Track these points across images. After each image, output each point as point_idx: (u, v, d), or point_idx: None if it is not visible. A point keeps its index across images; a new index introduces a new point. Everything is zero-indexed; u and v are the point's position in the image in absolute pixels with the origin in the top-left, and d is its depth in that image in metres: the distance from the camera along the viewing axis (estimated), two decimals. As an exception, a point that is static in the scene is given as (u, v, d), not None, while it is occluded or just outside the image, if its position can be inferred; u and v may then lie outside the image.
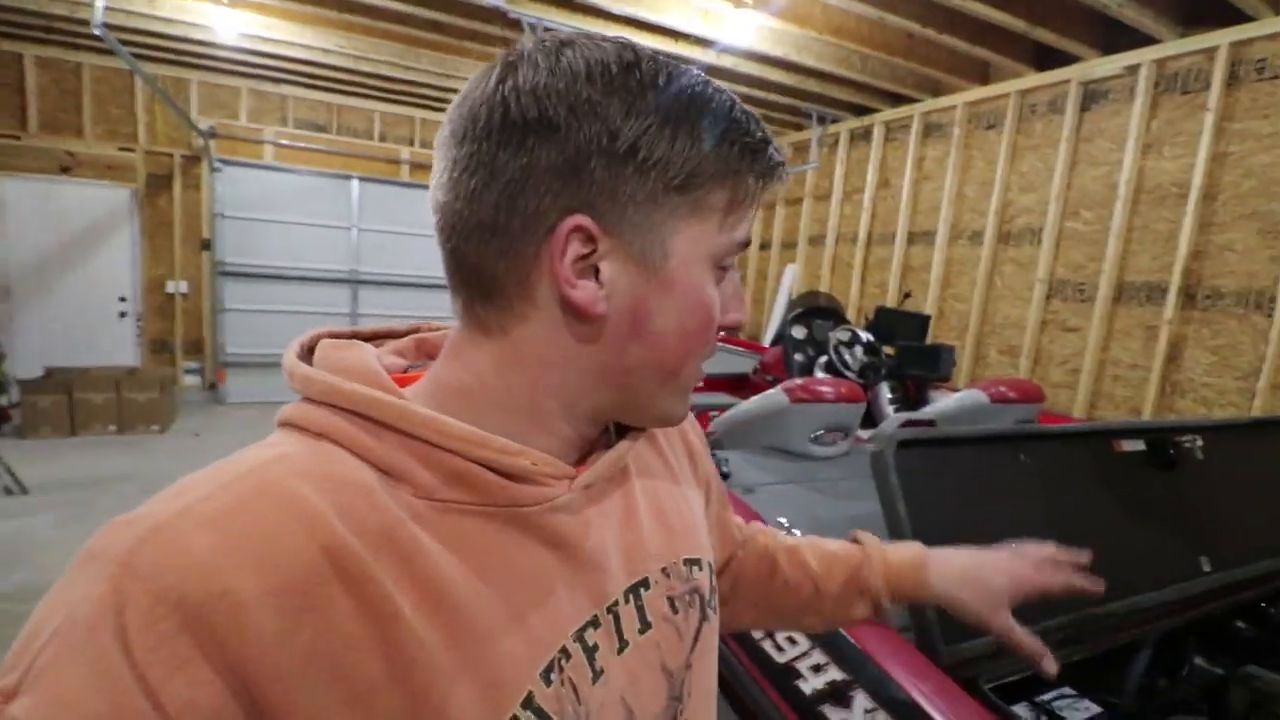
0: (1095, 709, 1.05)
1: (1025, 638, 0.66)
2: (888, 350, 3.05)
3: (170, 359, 5.87)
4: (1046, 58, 3.74)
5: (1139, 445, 1.30)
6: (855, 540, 0.71)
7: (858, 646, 0.88)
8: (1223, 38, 2.98)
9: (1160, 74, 3.28)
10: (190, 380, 5.97)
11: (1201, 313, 3.11)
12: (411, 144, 6.43)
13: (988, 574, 0.66)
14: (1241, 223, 2.97)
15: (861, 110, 5.04)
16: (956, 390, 2.69)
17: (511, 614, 0.38)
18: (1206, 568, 1.22)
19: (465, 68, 4.59)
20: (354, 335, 0.47)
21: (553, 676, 0.39)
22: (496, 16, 3.51)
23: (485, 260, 0.39)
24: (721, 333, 0.45)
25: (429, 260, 6.43)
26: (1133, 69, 3.36)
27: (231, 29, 4.06)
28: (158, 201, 5.64)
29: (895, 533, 0.98)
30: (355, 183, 6.05)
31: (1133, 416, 3.35)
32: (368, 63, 4.64)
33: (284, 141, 5.93)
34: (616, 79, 0.38)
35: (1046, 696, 1.06)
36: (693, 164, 0.39)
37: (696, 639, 0.50)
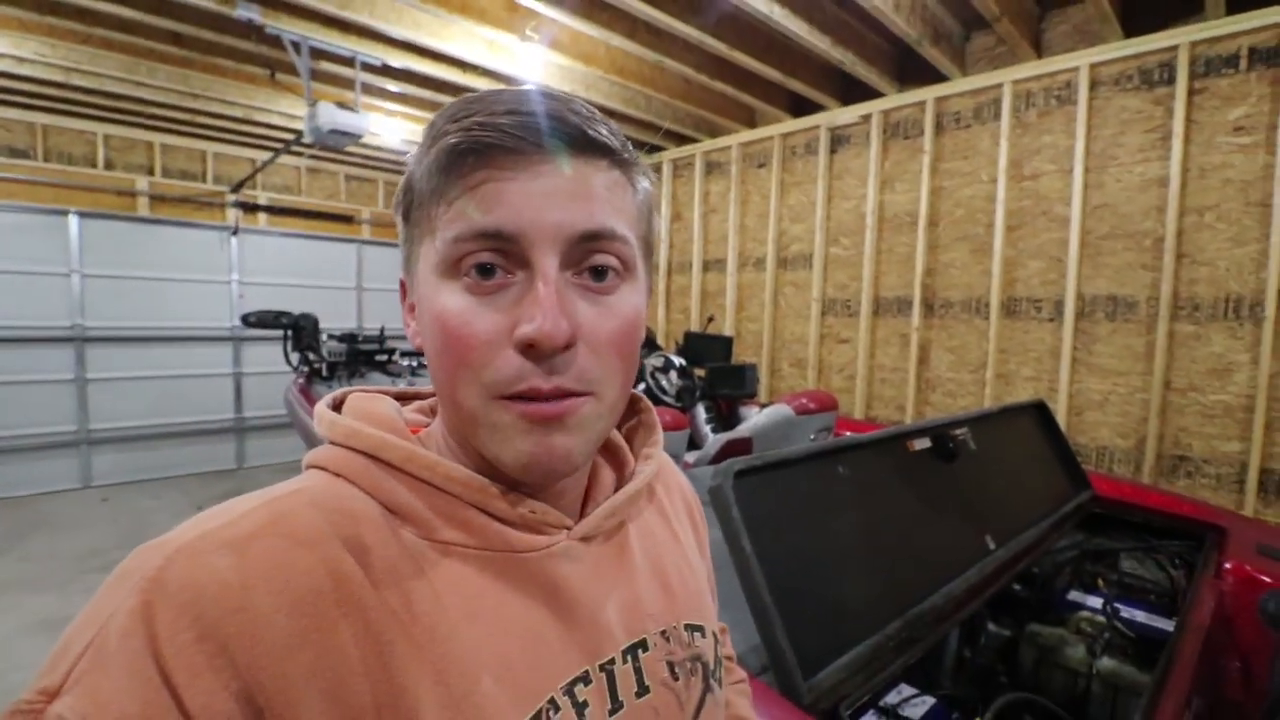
0: (930, 701, 1.11)
1: None
2: (699, 373, 3.18)
3: None
4: (801, 106, 4.25)
5: (926, 443, 1.45)
6: None
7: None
8: (929, 94, 3.62)
9: (887, 122, 3.89)
10: None
11: (939, 320, 3.69)
12: (150, 173, 5.40)
13: None
14: (958, 244, 3.59)
15: (651, 149, 5.32)
16: (763, 405, 2.88)
17: (500, 659, 0.38)
18: (992, 545, 1.38)
19: (217, 87, 3.99)
20: (382, 393, 0.49)
21: None
22: (252, 31, 3.10)
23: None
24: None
25: (183, 308, 5.46)
26: (866, 117, 3.95)
27: None
28: None
29: (741, 565, 0.96)
30: (73, 219, 4.93)
31: (899, 413, 3.86)
32: (83, 76, 3.82)
33: (-40, 170, 4.68)
34: (422, 138, 0.41)
35: (890, 700, 1.11)
36: (413, 184, 0.40)
37: (699, 710, 0.49)
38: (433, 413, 0.51)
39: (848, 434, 2.38)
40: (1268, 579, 1.43)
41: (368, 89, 3.91)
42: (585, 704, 0.41)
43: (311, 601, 0.34)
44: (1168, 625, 1.35)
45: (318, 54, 3.41)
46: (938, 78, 3.54)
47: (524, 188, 0.37)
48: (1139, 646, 1.29)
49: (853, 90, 3.95)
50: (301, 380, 3.79)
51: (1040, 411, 1.99)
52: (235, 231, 5.67)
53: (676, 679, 0.48)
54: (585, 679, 0.42)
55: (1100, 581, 1.58)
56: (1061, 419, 3.12)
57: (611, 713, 0.43)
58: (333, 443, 0.43)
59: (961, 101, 3.54)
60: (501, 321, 0.37)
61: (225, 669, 0.31)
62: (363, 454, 0.41)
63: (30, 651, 2.74)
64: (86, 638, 0.32)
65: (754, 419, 2.43)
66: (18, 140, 4.88)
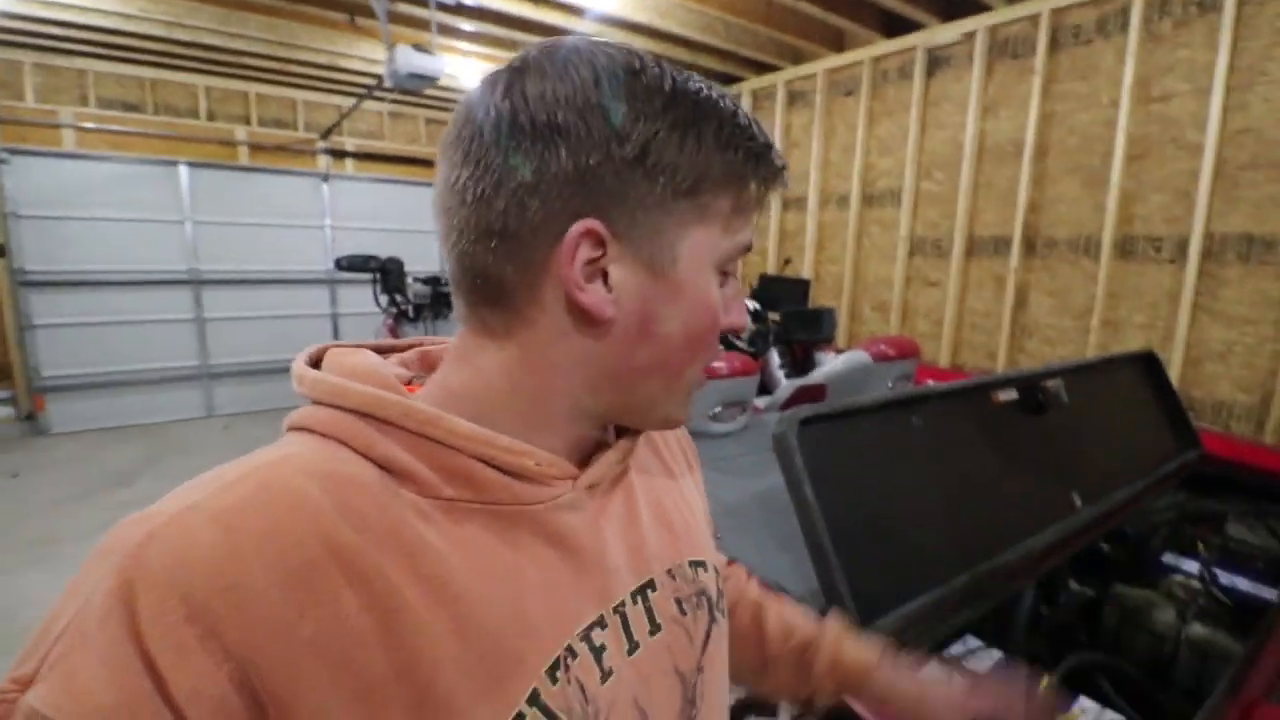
0: (997, 654, 1.09)
1: None
2: (774, 317, 3.11)
3: (-31, 388, 4.95)
4: (895, 25, 3.91)
5: (1013, 395, 1.37)
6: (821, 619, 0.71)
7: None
8: (1044, 5, 3.24)
9: (993, 40, 3.52)
10: (1, 412, 5.07)
11: (1041, 260, 3.42)
12: (247, 122, 5.69)
13: (937, 708, 0.64)
14: (1068, 176, 3.27)
15: (729, 79, 5.07)
16: (840, 351, 2.79)
17: (515, 611, 0.38)
18: (1079, 503, 1.31)
19: (303, 35, 4.10)
20: (359, 346, 0.47)
21: (559, 675, 0.39)
22: (332, -23, 3.14)
23: (493, 265, 0.40)
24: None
25: (284, 252, 5.82)
26: (969, 35, 3.59)
27: (-6, -11, 3.37)
28: (-75, 202, 4.67)
29: (802, 511, 0.95)
30: (184, 169, 5.28)
31: (990, 361, 3.65)
32: (183, 30, 4.02)
33: (87, 125, 5.07)
34: (624, 84, 0.38)
35: (954, 650, 1.09)
36: (700, 169, 0.39)
37: (706, 641, 0.50)
38: (417, 365, 0.50)
39: (929, 383, 2.28)
40: (1405, 552, 1.29)
41: (443, 29, 3.91)
42: (603, 647, 0.42)
43: (307, 574, 0.32)
44: (1273, 595, 1.24)
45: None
46: (1055, -14, 3.15)
47: None
48: (1237, 615, 1.20)
49: (955, 4, 3.58)
50: (390, 321, 3.99)
51: (1148, 363, 1.82)
52: (326, 177, 5.93)
53: (685, 614, 0.49)
54: (600, 623, 0.43)
55: (1200, 545, 1.47)
56: (1175, 371, 2.86)
57: (629, 652, 0.44)
58: (317, 401, 0.40)
59: (1082, 13, 3.15)
60: (722, 310, 0.44)
61: (216, 651, 0.30)
62: (353, 412, 0.38)
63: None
64: (64, 621, 0.30)
65: (829, 365, 2.37)
66: (130, 95, 5.24)
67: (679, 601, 0.49)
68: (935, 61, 3.83)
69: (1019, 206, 3.42)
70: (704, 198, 0.40)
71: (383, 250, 4.67)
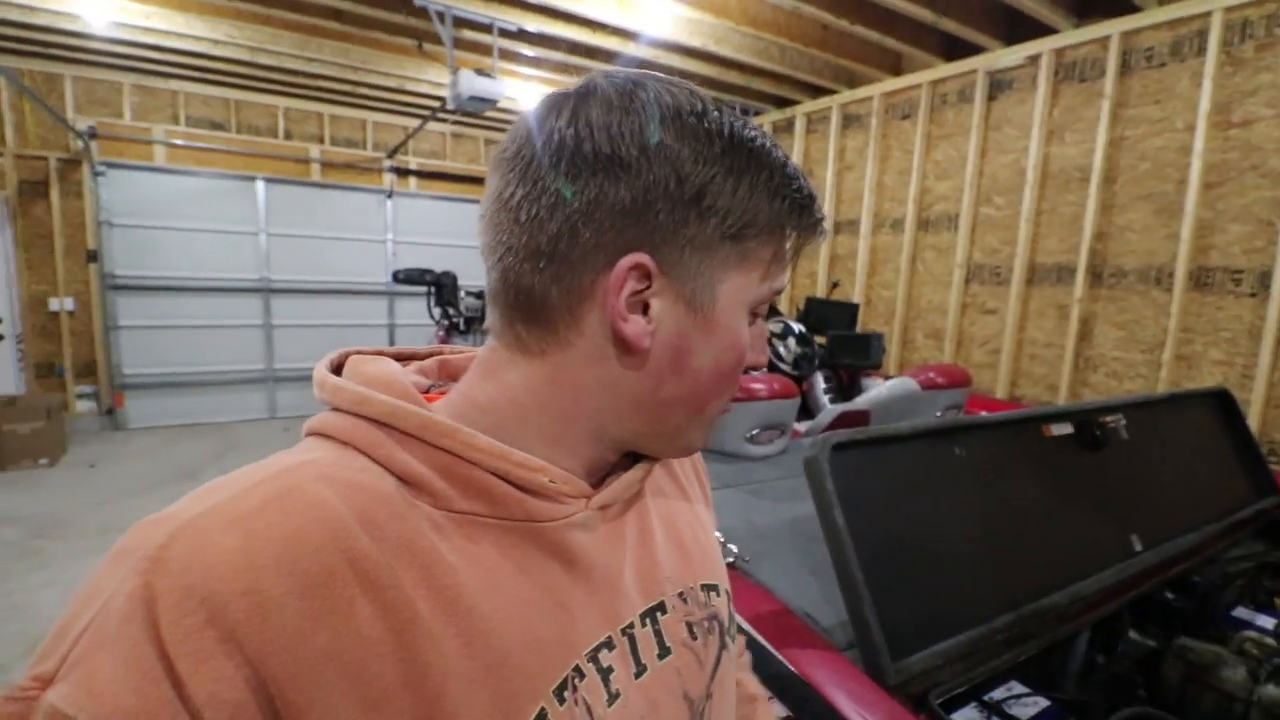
0: (1043, 703, 1.03)
1: None
2: (819, 340, 3.05)
3: (60, 384, 5.32)
4: (954, 48, 3.84)
5: (1067, 428, 1.30)
6: None
7: (803, 680, 0.82)
8: (1114, 28, 3.12)
9: (1059, 63, 3.42)
10: (84, 406, 5.43)
11: (1108, 290, 3.26)
12: (321, 141, 6.03)
13: None
14: (1139, 203, 3.12)
15: (783, 102, 5.07)
16: (888, 377, 2.72)
17: (524, 629, 0.38)
18: (1138, 547, 1.23)
19: (374, 59, 4.32)
20: (379, 354, 0.47)
21: (566, 695, 0.39)
22: (401, 4, 3.30)
23: (538, 284, 0.40)
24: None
25: (347, 264, 6.09)
26: (1034, 58, 3.49)
27: (101, 17, 3.67)
28: (33, 210, 5.08)
29: (832, 538, 0.93)
30: (260, 184, 5.63)
31: (1050, 393, 3.49)
32: (266, 55, 4.31)
33: (177, 141, 5.46)
34: (688, 125, 0.39)
35: (996, 695, 1.03)
36: (749, 215, 0.40)
37: (716, 667, 0.50)
38: (436, 374, 0.50)
39: (980, 414, 2.20)
40: None
41: (504, 54, 4.05)
42: (610, 669, 0.42)
43: (324, 581, 0.33)
44: (1364, 660, 1.13)
45: (460, 23, 3.56)
46: (1126, 8, 3.04)
47: None
48: (1319, 679, 1.10)
49: (1018, 28, 3.50)
50: (442, 333, 4.11)
51: (1221, 400, 1.71)
52: (390, 194, 6.20)
53: (695, 639, 0.48)
54: (609, 644, 0.42)
55: (1278, 600, 1.36)
56: (1255, 411, 2.66)
57: (637, 675, 0.43)
58: (337, 409, 0.41)
59: (1156, 35, 3.03)
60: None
61: (234, 655, 0.30)
62: (372, 421, 0.39)
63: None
64: (84, 620, 0.30)
65: (874, 391, 2.31)
66: (216, 114, 5.62)
67: (690, 625, 0.48)
68: (997, 85, 3.73)
69: (1085, 234, 3.28)
70: (748, 243, 0.41)
71: (439, 265, 4.83)
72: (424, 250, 6.28)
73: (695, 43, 3.72)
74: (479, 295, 4.36)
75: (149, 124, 5.40)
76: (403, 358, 0.50)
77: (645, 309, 0.40)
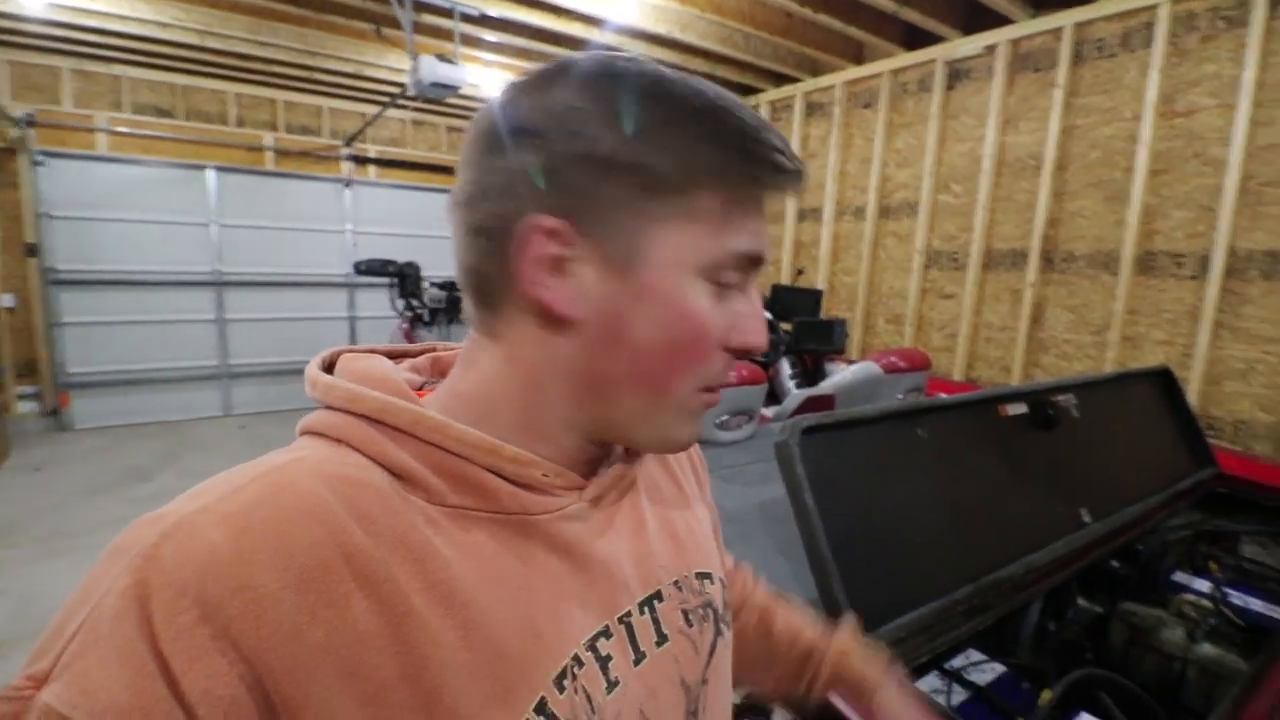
0: (1000, 668, 1.08)
1: None
2: (785, 327, 3.10)
3: (-2, 383, 5.09)
4: (915, 38, 3.91)
5: (1022, 408, 1.35)
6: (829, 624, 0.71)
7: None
8: (1068, 18, 3.22)
9: (1015, 53, 3.51)
10: (26, 407, 5.20)
11: (1059, 275, 3.38)
12: (274, 128, 5.83)
13: None
14: (1089, 190, 3.24)
15: (747, 90, 5.10)
16: (851, 362, 2.78)
17: (522, 620, 0.38)
18: (1087, 519, 1.29)
19: (330, 44, 4.19)
20: (371, 351, 0.48)
21: (565, 684, 0.39)
22: (358, -13, 3.22)
23: (480, 263, 0.41)
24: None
25: (304, 256, 5.92)
26: (991, 48, 3.57)
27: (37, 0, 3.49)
28: (-36, 201, 4.83)
29: (802, 520, 0.95)
30: (211, 173, 5.42)
31: (1004, 375, 3.61)
32: (215, 38, 4.14)
33: (121, 129, 5.22)
34: (601, 87, 0.39)
35: (955, 663, 1.08)
36: (676, 167, 0.38)
37: (711, 654, 0.50)
38: (429, 370, 0.50)
39: (940, 395, 2.27)
40: None
41: (466, 40, 3.98)
42: (609, 657, 0.42)
43: (319, 576, 0.33)
44: (1290, 617, 1.22)
45: (420, 7, 3.49)
46: (1079, 0, 3.14)
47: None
48: (1249, 636, 1.18)
49: (977, 18, 3.57)
50: (405, 325, 4.05)
51: (1164, 379, 1.80)
52: (348, 183, 6.05)
53: (691, 626, 0.49)
54: (606, 633, 0.43)
55: (1213, 565, 1.44)
56: (1194, 388, 2.81)
57: (635, 663, 0.44)
58: (329, 407, 0.41)
59: (1107, 26, 3.13)
60: (725, 325, 0.42)
61: (228, 652, 0.30)
62: (364, 418, 0.39)
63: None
64: (79, 619, 0.31)
65: (838, 376, 2.36)
66: (162, 100, 5.39)
67: (685, 613, 0.49)
68: (955, 74, 3.82)
69: (1038, 220, 3.39)
70: (681, 197, 0.39)
71: (401, 255, 4.74)
72: (385, 241, 6.14)
73: (660, 29, 3.71)
74: (443, 286, 4.31)
75: (90, 111, 5.15)
76: (395, 355, 0.50)
77: (572, 275, 0.40)
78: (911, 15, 3.46)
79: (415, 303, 4.27)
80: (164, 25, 3.89)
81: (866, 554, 0.97)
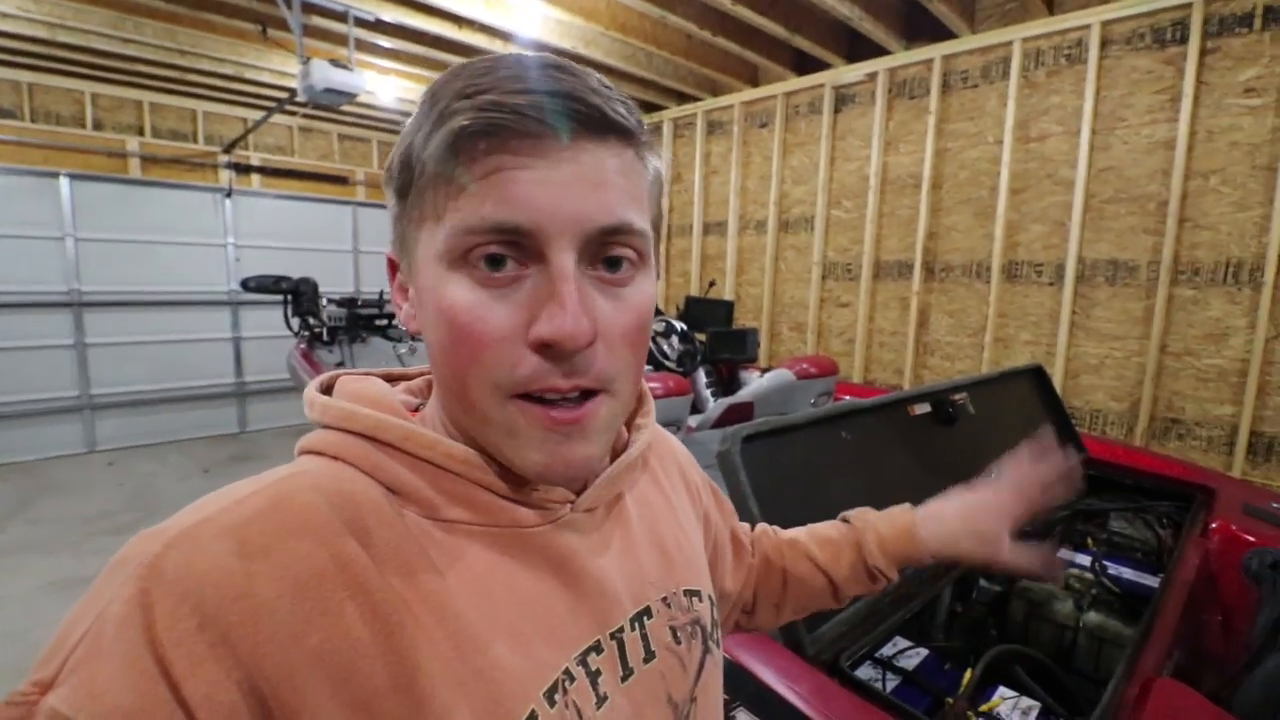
0: (924, 652, 1.16)
1: (1033, 559, 0.69)
2: (700, 337, 3.19)
3: None
4: (805, 63, 4.16)
5: (927, 408, 1.48)
6: (846, 520, 0.73)
7: (735, 664, 0.88)
8: (936, 51, 3.55)
9: (893, 81, 3.82)
10: None
11: (940, 283, 3.70)
12: (140, 133, 5.29)
13: (979, 519, 0.68)
14: (961, 207, 3.57)
15: (651, 108, 5.22)
16: (764, 370, 2.90)
17: (514, 632, 0.38)
18: (987, 507, 1.42)
19: (207, 43, 3.88)
20: (367, 374, 0.48)
21: (556, 698, 0.39)
22: (241, -13, 3.01)
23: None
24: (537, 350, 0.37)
25: (179, 272, 5.41)
26: (872, 76, 3.87)
27: None
28: None
29: (747, 525, 0.99)
30: (64, 180, 4.85)
31: (897, 376, 3.90)
32: (69, 32, 3.72)
33: (-53, 130, 4.58)
34: (420, 102, 0.39)
35: (886, 651, 1.16)
36: (411, 158, 0.37)
37: (700, 672, 0.50)
38: (425, 393, 0.51)
39: (847, 398, 2.41)
40: (1252, 538, 1.48)
41: (361, 45, 3.82)
42: (599, 672, 0.42)
43: (315, 586, 0.33)
44: (1154, 582, 1.40)
45: (309, 8, 3.31)
46: (946, 35, 3.47)
47: (540, 177, 0.35)
48: (1125, 602, 1.34)
49: (859, 48, 3.86)
50: (304, 345, 3.80)
51: (1038, 375, 2.01)
52: (229, 193, 5.60)
53: (679, 643, 0.49)
54: (597, 648, 0.43)
55: (1090, 540, 1.63)
56: (1058, 382, 3.15)
57: (623, 679, 0.44)
58: (326, 426, 0.41)
59: (970, 60, 3.48)
60: (516, 317, 0.36)
61: (227, 658, 0.30)
62: (360, 436, 0.40)
63: (50, 609, 2.82)
64: (83, 627, 0.31)
65: (755, 384, 2.46)
66: (3, 100, 4.77)
67: (674, 630, 0.49)
68: (842, 99, 4.10)
69: (919, 234, 3.70)
70: (422, 193, 0.37)
71: (293, 270, 4.44)
72: (274, 255, 5.73)
73: (565, 45, 3.73)
74: (342, 303, 4.08)
75: (-92, 108, 4.48)
76: (393, 379, 0.50)
77: (407, 296, 0.43)
78: (801, 43, 3.69)
79: (313, 321, 4.02)
80: (4, 15, 3.46)
81: (806, 554, 1.03)
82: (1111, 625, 1.26)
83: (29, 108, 4.85)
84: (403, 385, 0.50)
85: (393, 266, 0.43)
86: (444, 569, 0.38)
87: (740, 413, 2.22)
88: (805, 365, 2.40)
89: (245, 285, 4.00)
